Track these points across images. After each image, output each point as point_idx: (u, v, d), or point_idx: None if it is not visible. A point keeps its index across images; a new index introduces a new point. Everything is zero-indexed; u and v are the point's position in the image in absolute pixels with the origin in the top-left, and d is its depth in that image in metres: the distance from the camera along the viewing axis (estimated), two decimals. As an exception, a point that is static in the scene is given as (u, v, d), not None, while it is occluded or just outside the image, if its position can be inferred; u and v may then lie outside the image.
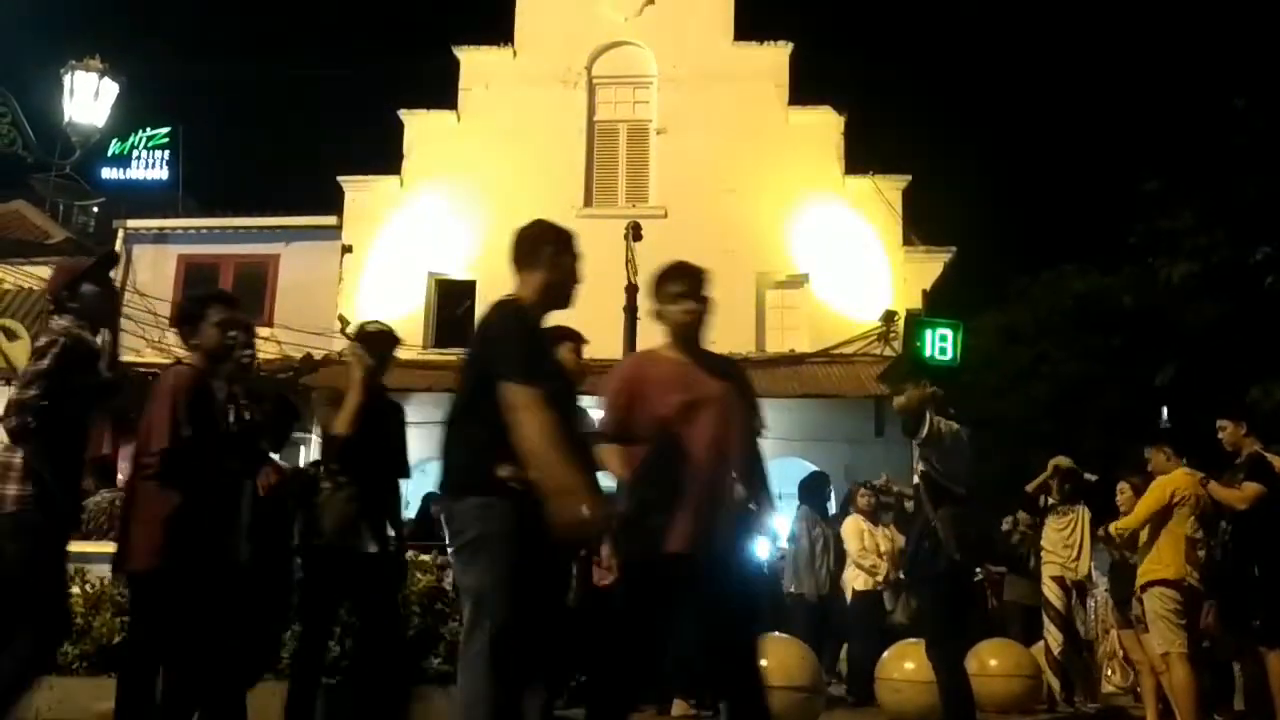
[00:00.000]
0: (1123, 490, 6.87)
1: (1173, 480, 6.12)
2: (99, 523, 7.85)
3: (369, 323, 5.65)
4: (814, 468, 11.35)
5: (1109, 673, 8.67)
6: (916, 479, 5.51)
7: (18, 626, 4.04)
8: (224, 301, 4.62)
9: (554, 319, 4.09)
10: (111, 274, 4.63)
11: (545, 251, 3.78)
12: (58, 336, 4.16)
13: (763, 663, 4.23)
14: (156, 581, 4.18)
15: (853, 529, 8.26)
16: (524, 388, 3.34)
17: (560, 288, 3.76)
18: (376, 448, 5.00)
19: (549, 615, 3.82)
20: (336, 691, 5.29)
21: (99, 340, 4.33)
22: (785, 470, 9.56)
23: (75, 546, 7.27)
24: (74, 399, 4.14)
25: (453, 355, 14.87)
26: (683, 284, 3.99)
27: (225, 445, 4.46)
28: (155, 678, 4.22)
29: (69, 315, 4.25)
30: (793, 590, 8.35)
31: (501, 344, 3.51)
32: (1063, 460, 8.05)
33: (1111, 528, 6.67)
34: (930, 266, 14.83)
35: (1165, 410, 14.16)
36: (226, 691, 4.57)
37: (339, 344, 14.80)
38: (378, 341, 5.21)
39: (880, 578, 8.00)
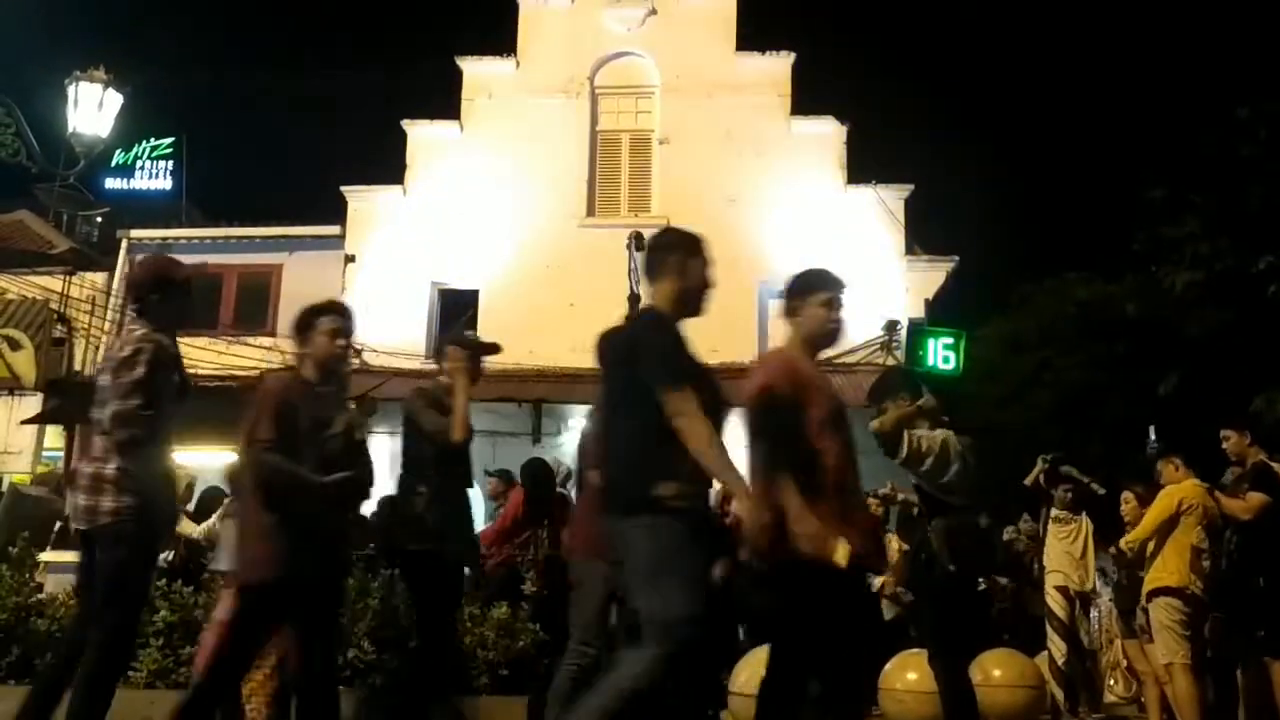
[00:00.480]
0: (1127, 500, 6.86)
1: (1180, 489, 6.12)
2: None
3: (465, 329, 5.70)
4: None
5: (1112, 683, 8.63)
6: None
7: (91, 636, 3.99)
8: (337, 312, 4.54)
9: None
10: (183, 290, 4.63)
11: (674, 259, 3.73)
12: (143, 344, 4.16)
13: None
14: (261, 595, 4.02)
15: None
16: (681, 394, 3.32)
17: (693, 294, 3.72)
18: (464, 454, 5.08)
19: (720, 637, 3.72)
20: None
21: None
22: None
23: (76, 557, 7.35)
24: (163, 406, 4.14)
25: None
26: (830, 292, 3.91)
27: (326, 460, 4.21)
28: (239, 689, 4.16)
29: (146, 320, 4.28)
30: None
31: (652, 354, 3.47)
32: (1049, 455, 7.99)
33: (1122, 543, 6.65)
34: (933, 276, 14.83)
35: (1152, 430, 14.12)
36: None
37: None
38: (480, 349, 5.24)
39: (874, 588, 7.97)
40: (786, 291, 3.97)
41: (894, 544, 8.39)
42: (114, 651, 4.04)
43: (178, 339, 4.42)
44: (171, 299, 4.39)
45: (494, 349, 5.27)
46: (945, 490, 5.28)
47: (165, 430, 4.27)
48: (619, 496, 3.44)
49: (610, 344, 3.76)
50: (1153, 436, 13.94)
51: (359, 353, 14.77)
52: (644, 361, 3.45)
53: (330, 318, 4.45)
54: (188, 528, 8.06)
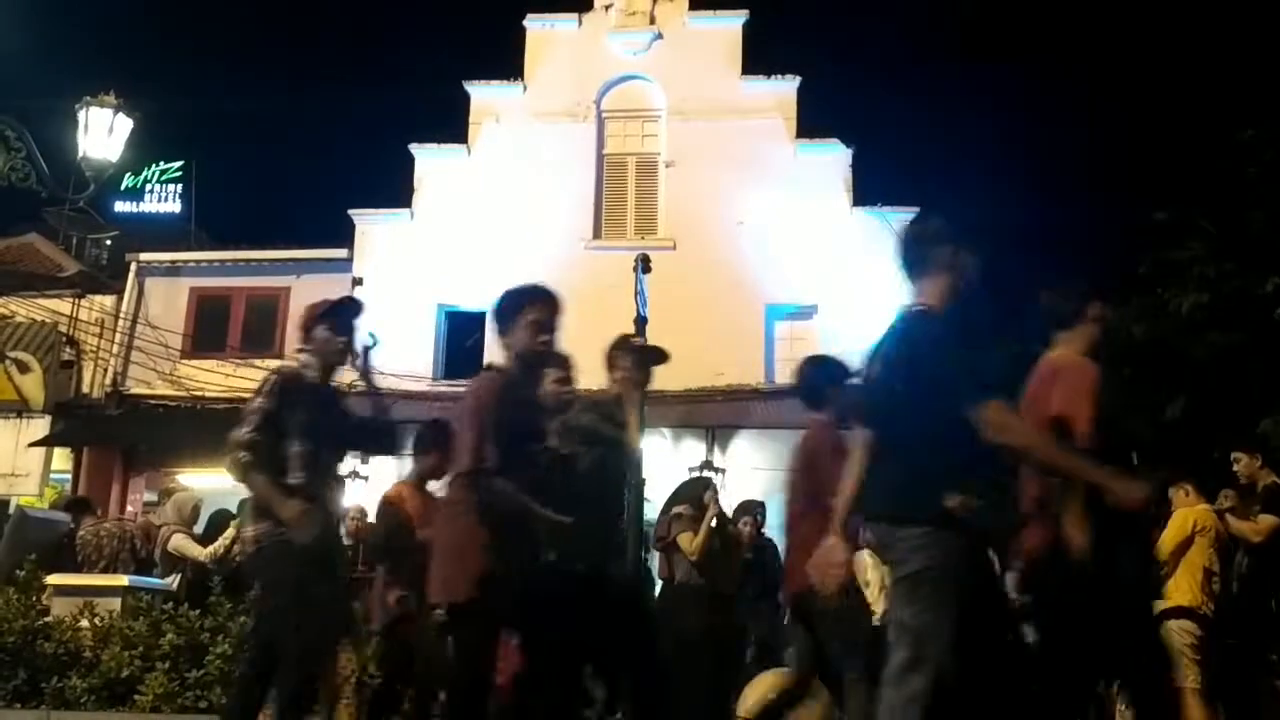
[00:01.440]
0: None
1: (1193, 511, 6.11)
2: (87, 555, 7.85)
3: (632, 336, 5.54)
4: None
5: (1123, 707, 8.57)
6: None
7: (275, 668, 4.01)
8: (542, 299, 4.19)
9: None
10: (355, 321, 4.60)
11: (943, 252, 3.49)
12: (273, 374, 4.33)
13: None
14: (469, 616, 3.72)
15: (858, 563, 8.20)
16: (990, 402, 3.19)
17: (965, 291, 3.49)
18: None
19: (991, 661, 3.46)
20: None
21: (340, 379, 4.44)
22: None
23: (83, 580, 7.37)
24: (304, 437, 4.14)
25: (462, 387, 14.90)
26: (1103, 305, 3.88)
27: (537, 478, 3.94)
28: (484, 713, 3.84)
29: (306, 353, 4.40)
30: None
31: (943, 363, 3.27)
32: None
33: None
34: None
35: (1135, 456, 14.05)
36: None
37: (349, 376, 14.82)
38: (650, 355, 5.03)
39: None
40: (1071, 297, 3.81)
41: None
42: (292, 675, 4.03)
43: (370, 377, 4.67)
44: (315, 339, 4.44)
45: (663, 356, 4.94)
46: None
47: (320, 462, 4.24)
48: (893, 504, 3.29)
49: (883, 351, 3.56)
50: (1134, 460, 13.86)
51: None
52: (930, 371, 3.27)
53: (536, 306, 4.12)
54: (194, 550, 8.06)
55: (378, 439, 4.80)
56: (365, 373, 4.64)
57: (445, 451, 4.79)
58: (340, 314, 4.47)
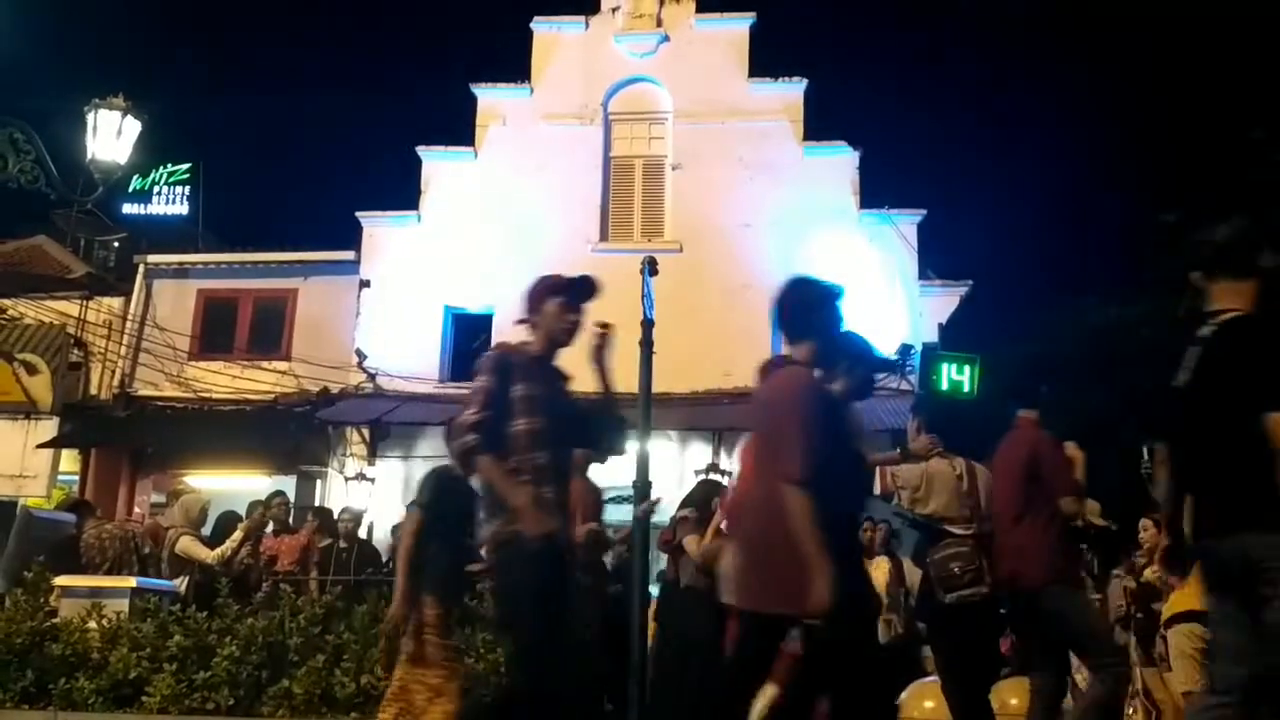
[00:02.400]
0: (1145, 527, 6.80)
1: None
2: (90, 557, 7.87)
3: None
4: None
5: (1131, 711, 8.53)
6: None
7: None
8: (835, 295, 3.88)
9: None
10: (586, 305, 4.19)
11: (1259, 247, 3.35)
12: (494, 349, 4.06)
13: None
14: (810, 627, 3.42)
15: None
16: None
17: None
18: None
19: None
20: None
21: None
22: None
23: (90, 581, 7.39)
24: (531, 415, 3.81)
25: (469, 389, 14.91)
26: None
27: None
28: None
29: (531, 327, 4.11)
30: None
31: (1265, 370, 3.13)
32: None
33: (1148, 573, 6.60)
34: (946, 300, 14.81)
35: (1146, 451, 13.99)
36: None
37: (356, 378, 14.88)
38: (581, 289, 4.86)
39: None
40: None
41: (883, 567, 8.45)
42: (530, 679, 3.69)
43: (604, 365, 4.12)
44: (544, 315, 4.11)
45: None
46: (937, 520, 5.30)
47: (551, 449, 3.87)
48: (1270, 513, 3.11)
49: (1216, 350, 3.38)
50: (1145, 457, 13.81)
51: (372, 377, 14.84)
52: (1254, 379, 3.13)
53: (838, 300, 3.87)
54: (201, 552, 8.08)
55: (608, 433, 4.34)
56: (602, 371, 4.13)
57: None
58: (575, 290, 4.16)
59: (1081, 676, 7.55)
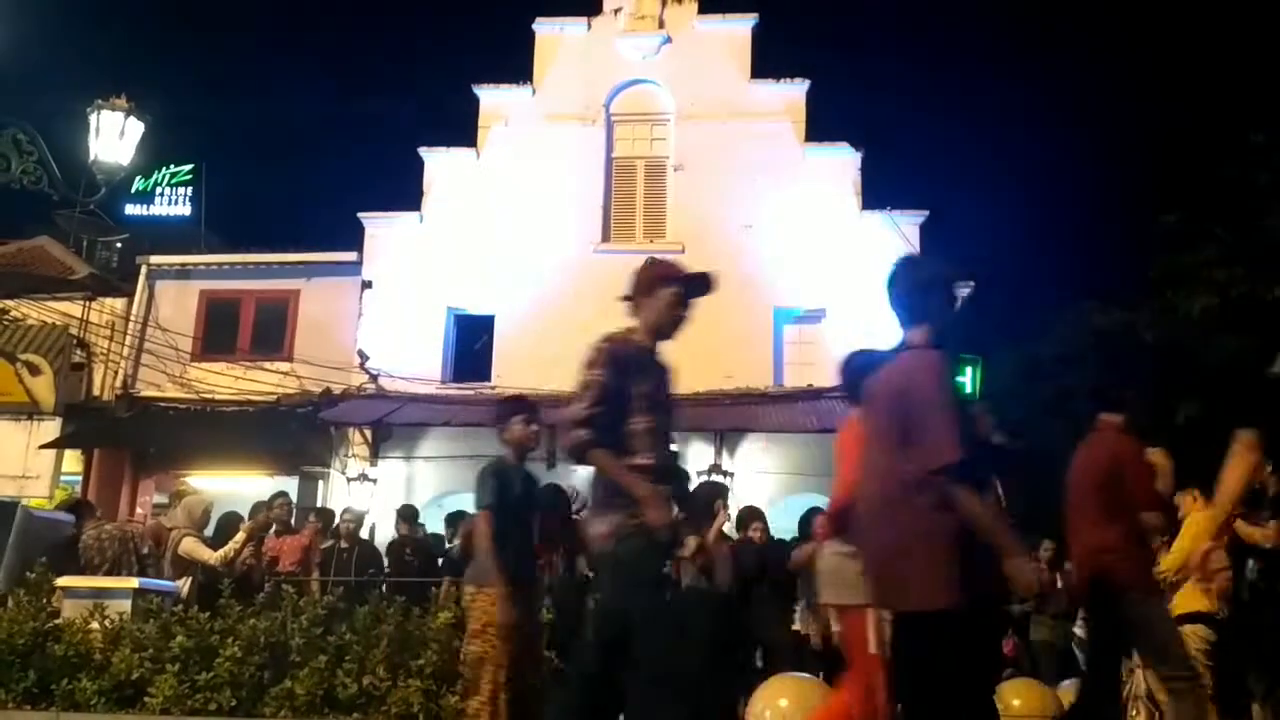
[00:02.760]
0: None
1: (1208, 516, 6.08)
2: (89, 558, 7.87)
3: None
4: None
5: (1134, 713, 8.53)
6: None
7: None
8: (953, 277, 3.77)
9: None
10: (693, 300, 4.01)
11: None
12: (603, 341, 3.81)
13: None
14: (944, 624, 3.26)
15: None
16: None
17: None
18: None
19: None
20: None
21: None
22: (804, 506, 9.51)
23: (92, 582, 7.39)
24: (645, 411, 3.67)
25: (470, 390, 14.97)
26: None
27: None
28: None
29: (640, 316, 3.90)
30: (801, 631, 8.28)
31: None
32: None
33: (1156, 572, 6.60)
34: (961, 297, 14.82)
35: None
36: None
37: (358, 379, 14.88)
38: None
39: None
40: None
41: None
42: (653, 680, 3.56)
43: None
44: (658, 300, 3.92)
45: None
46: None
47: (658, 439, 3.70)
48: None
49: None
50: None
51: (375, 378, 14.85)
52: None
53: (953, 281, 3.74)
54: (204, 554, 8.08)
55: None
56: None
57: None
58: (691, 285, 3.97)
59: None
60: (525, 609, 5.08)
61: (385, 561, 10.47)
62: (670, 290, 3.92)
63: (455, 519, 10.96)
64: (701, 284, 4.01)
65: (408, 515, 10.92)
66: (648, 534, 3.53)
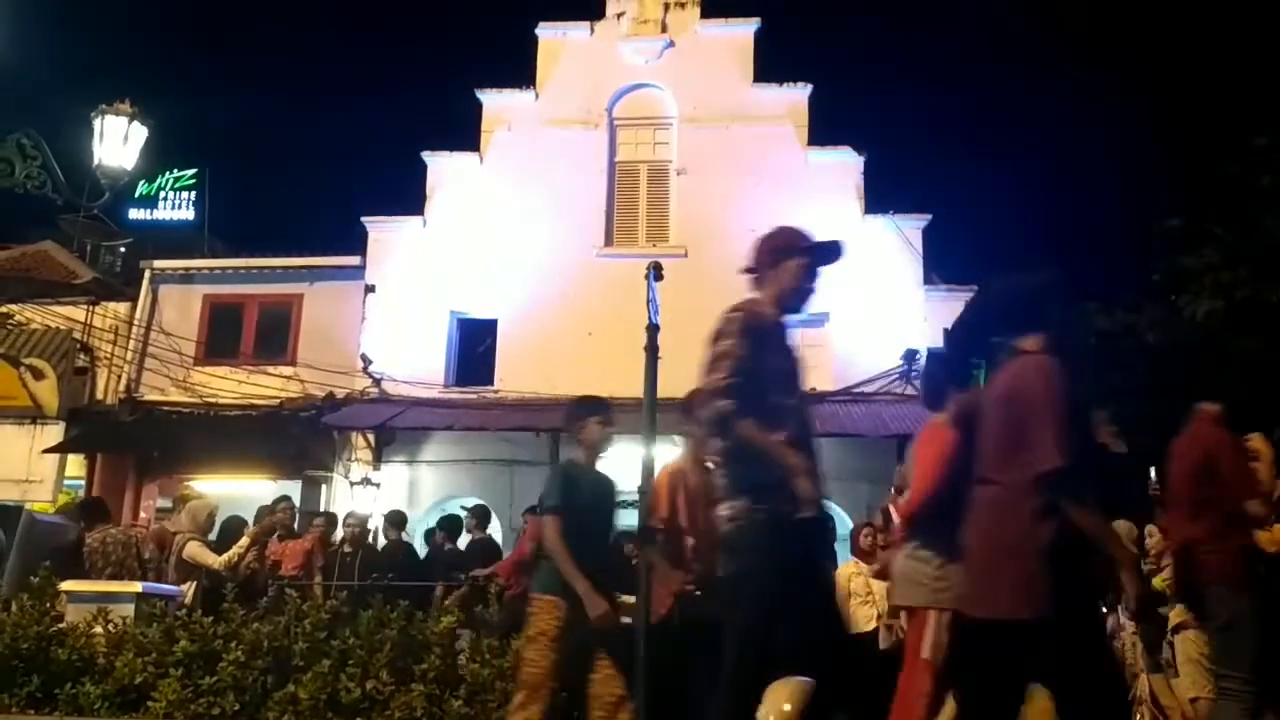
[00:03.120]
0: (1151, 534, 6.78)
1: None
2: (94, 563, 7.89)
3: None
4: (833, 508, 11.28)
5: (1138, 718, 8.52)
6: None
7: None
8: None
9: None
10: (821, 269, 3.81)
11: None
12: (733, 312, 3.55)
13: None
14: (1040, 633, 3.17)
15: (842, 573, 8.22)
16: None
17: None
18: None
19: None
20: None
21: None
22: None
23: (96, 586, 7.40)
24: (782, 387, 3.47)
25: (473, 394, 14.98)
26: None
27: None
28: None
29: (767, 286, 3.69)
30: None
31: None
32: None
33: (1157, 580, 6.59)
34: (951, 305, 14.76)
35: (1154, 471, 13.97)
36: None
37: (361, 383, 14.90)
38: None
39: (865, 625, 7.92)
40: None
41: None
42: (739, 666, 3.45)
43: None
44: (785, 271, 3.70)
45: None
46: None
47: (794, 417, 3.49)
48: None
49: None
50: (1154, 476, 13.79)
51: (378, 382, 14.86)
52: None
53: (1059, 286, 3.59)
54: (208, 558, 8.09)
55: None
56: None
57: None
58: (821, 254, 3.78)
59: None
60: (574, 620, 4.81)
61: (387, 565, 10.48)
62: (796, 261, 3.71)
63: (446, 523, 11.00)
64: (831, 252, 3.82)
65: (397, 521, 10.90)
66: (788, 516, 3.31)
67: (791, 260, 3.69)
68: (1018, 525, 3.19)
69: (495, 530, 11.88)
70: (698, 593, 4.87)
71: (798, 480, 3.31)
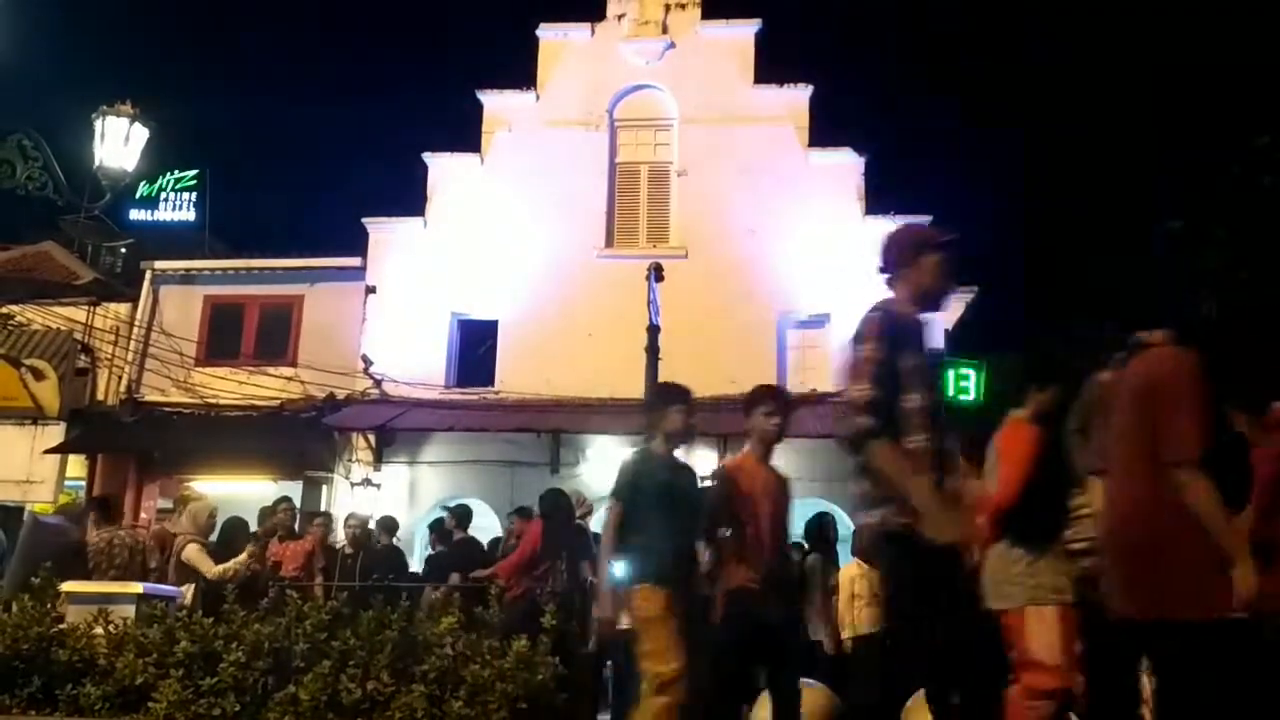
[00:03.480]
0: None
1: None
2: (98, 563, 7.88)
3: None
4: (835, 509, 11.27)
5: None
6: None
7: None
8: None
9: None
10: (944, 256, 3.61)
11: None
12: (873, 313, 3.43)
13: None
14: (1214, 635, 3.05)
15: (844, 574, 8.20)
16: None
17: None
18: None
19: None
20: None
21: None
22: (807, 512, 9.50)
23: (97, 587, 7.40)
24: (922, 388, 3.33)
25: (474, 395, 14.98)
26: None
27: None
28: None
29: (904, 283, 3.55)
30: (812, 638, 8.28)
31: None
32: None
33: None
34: (952, 306, 14.81)
35: None
36: None
37: (362, 384, 14.90)
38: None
39: (850, 632, 7.92)
40: None
41: None
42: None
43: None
44: (922, 267, 3.55)
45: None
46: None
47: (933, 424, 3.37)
48: None
49: None
50: None
51: (378, 383, 14.86)
52: None
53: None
54: (205, 565, 8.10)
55: None
56: None
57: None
58: (954, 249, 3.62)
59: None
60: (678, 607, 4.66)
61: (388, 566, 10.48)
62: (934, 257, 3.57)
63: (435, 526, 11.01)
64: (958, 249, 3.69)
65: (388, 527, 10.87)
66: (918, 538, 3.22)
67: (929, 256, 3.55)
68: (1176, 519, 3.11)
69: (495, 531, 11.88)
70: (758, 589, 4.82)
71: (926, 518, 3.21)
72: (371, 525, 10.90)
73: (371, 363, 14.92)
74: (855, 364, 3.34)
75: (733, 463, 5.32)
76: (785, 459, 5.10)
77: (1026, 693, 4.13)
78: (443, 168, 15.85)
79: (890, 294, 3.57)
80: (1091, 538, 4.02)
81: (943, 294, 3.60)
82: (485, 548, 10.14)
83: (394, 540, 10.82)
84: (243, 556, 8.19)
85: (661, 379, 7.26)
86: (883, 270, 3.62)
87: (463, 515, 10.51)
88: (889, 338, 3.34)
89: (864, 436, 3.26)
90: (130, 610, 7.13)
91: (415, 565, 11.69)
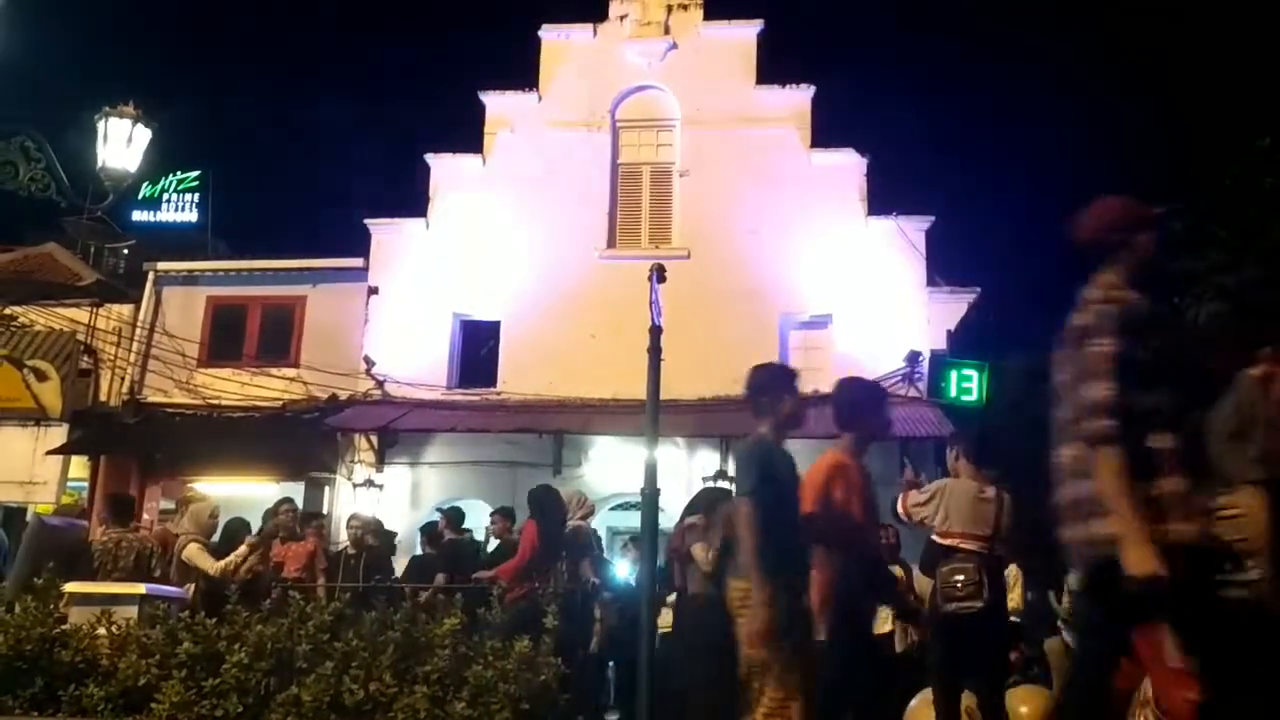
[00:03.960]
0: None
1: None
2: (103, 563, 7.89)
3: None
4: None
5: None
6: None
7: None
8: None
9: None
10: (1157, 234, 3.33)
11: None
12: (1098, 304, 3.09)
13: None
14: None
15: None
16: None
17: None
18: None
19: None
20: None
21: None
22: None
23: (100, 588, 7.41)
24: (1165, 386, 3.04)
25: (476, 395, 14.99)
26: None
27: None
28: None
29: (1121, 266, 3.22)
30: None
31: None
32: None
33: None
34: (954, 307, 14.79)
35: None
36: None
37: (364, 385, 14.91)
38: None
39: (881, 627, 7.92)
40: None
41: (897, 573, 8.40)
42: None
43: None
44: (1139, 248, 3.28)
45: None
46: (944, 534, 5.61)
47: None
48: None
49: None
50: None
51: (381, 384, 14.87)
52: None
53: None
54: (205, 562, 8.11)
55: None
56: None
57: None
58: (1163, 228, 3.34)
59: None
60: (799, 606, 4.37)
61: (391, 566, 10.48)
62: (1148, 235, 3.29)
63: (427, 529, 11.01)
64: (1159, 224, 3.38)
65: (374, 528, 10.86)
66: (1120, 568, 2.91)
67: (1141, 234, 3.27)
68: None
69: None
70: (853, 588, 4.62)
71: (1126, 550, 2.91)
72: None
73: (374, 363, 14.93)
74: (1091, 362, 3.04)
75: (829, 460, 4.91)
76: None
77: (1175, 703, 4.04)
78: (445, 168, 15.85)
79: (1102, 279, 3.23)
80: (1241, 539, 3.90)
81: (1160, 270, 3.31)
82: (476, 550, 10.16)
83: (376, 542, 10.81)
84: (242, 549, 8.20)
85: (664, 380, 7.24)
86: (1091, 254, 3.31)
87: (455, 517, 10.54)
88: (1125, 330, 3.04)
89: (1097, 441, 2.98)
90: (133, 611, 7.15)
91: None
